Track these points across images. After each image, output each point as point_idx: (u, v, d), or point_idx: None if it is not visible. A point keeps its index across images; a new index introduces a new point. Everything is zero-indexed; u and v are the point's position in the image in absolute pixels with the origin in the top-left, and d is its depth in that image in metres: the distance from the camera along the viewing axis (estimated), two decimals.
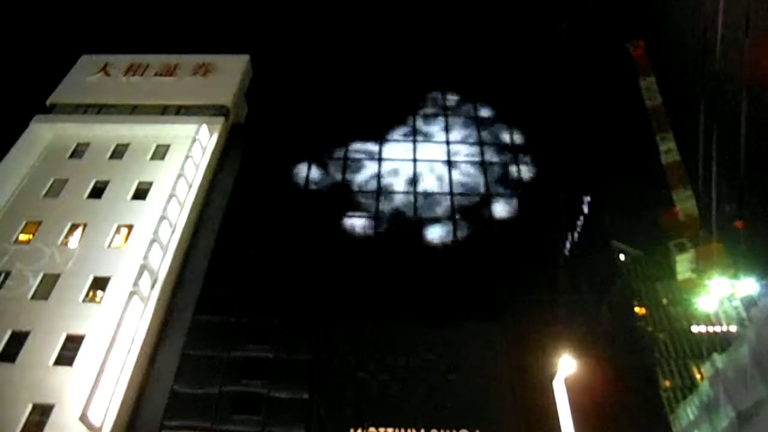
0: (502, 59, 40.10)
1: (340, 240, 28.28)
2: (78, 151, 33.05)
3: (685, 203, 66.74)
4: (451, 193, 30.72)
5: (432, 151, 33.20)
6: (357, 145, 33.37)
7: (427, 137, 33.92)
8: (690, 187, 66.26)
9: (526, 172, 32.20)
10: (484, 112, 35.91)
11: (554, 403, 18.00)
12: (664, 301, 63.44)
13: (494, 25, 44.58)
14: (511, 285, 26.28)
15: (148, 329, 23.96)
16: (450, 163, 32.41)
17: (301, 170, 31.92)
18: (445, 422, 21.47)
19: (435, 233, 28.58)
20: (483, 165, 32.38)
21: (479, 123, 35.16)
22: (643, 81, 71.33)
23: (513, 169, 32.38)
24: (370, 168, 32.06)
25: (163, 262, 26.44)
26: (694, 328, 59.88)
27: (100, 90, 36.33)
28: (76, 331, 23.77)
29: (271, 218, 29.38)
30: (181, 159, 30.63)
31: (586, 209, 30.24)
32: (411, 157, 32.83)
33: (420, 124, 35.02)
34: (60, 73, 37.46)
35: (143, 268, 24.76)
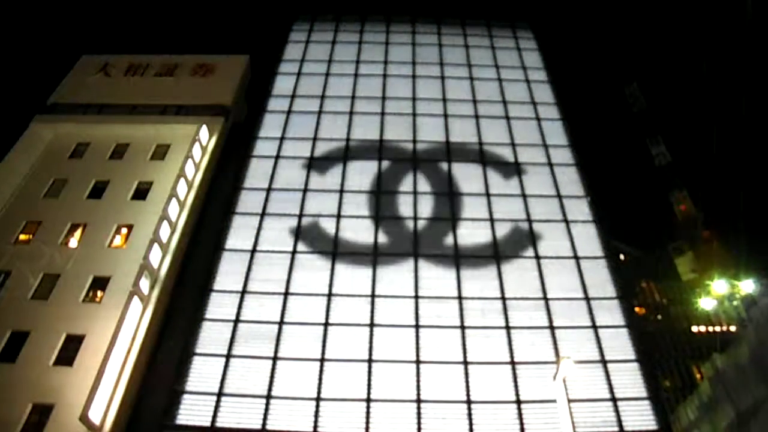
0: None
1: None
2: (78, 151, 33.06)
3: (681, 204, 67.09)
4: (451, 193, 30.75)
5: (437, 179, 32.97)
6: (357, 145, 33.41)
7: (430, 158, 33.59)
8: (684, 188, 66.75)
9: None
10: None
11: (554, 403, 17.99)
12: (664, 301, 63.39)
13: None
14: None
15: (148, 329, 23.96)
16: (450, 166, 32.47)
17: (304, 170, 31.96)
18: None
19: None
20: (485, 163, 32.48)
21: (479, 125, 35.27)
22: (627, 87, 72.43)
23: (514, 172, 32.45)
24: (369, 167, 32.08)
25: (163, 262, 26.46)
26: (694, 328, 59.81)
27: (100, 90, 36.36)
28: (76, 331, 23.75)
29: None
30: (181, 159, 30.65)
31: (587, 210, 30.24)
32: (412, 157, 32.88)
33: (421, 124, 35.05)
34: (60, 73, 37.59)
35: (143, 268, 24.76)
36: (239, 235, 28.48)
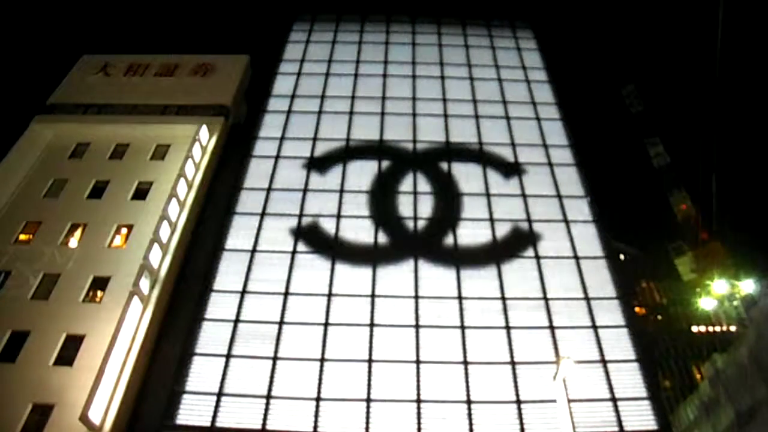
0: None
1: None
2: (78, 151, 33.07)
3: (680, 204, 67.24)
4: (451, 193, 30.74)
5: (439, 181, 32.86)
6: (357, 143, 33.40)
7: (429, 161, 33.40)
8: (683, 188, 66.93)
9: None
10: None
11: (554, 403, 17.99)
12: (664, 301, 63.48)
13: None
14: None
15: (148, 329, 23.96)
16: (450, 166, 32.46)
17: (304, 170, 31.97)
18: None
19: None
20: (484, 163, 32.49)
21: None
22: (625, 89, 72.81)
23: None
24: (369, 167, 32.05)
25: (163, 262, 26.46)
26: (694, 328, 59.88)
27: (100, 90, 36.37)
28: (76, 331, 23.75)
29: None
30: (181, 159, 30.67)
31: (587, 210, 30.22)
32: (412, 155, 32.90)
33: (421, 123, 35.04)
34: (60, 73, 37.63)
35: (143, 268, 24.77)
36: (239, 235, 28.46)
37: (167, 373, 22.94)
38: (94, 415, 20.08)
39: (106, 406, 20.74)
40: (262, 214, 29.47)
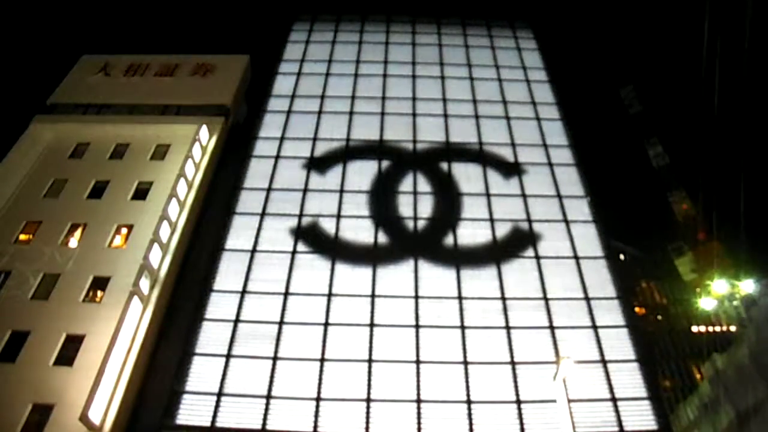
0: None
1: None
2: (78, 151, 33.07)
3: (680, 204, 67.29)
4: (451, 193, 30.75)
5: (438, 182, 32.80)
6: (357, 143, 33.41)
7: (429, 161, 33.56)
8: (683, 188, 66.98)
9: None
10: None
11: (554, 403, 17.99)
12: (664, 301, 63.42)
13: None
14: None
15: (148, 329, 23.96)
16: (450, 165, 32.47)
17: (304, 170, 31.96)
18: None
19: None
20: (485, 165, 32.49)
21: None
22: (623, 90, 72.96)
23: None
24: (369, 167, 32.05)
25: (163, 262, 26.46)
26: (694, 328, 59.82)
27: (100, 90, 36.38)
28: (76, 331, 23.73)
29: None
30: (181, 159, 30.66)
31: (587, 210, 30.21)
32: (412, 156, 32.90)
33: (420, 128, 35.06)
34: (60, 73, 37.65)
35: (143, 268, 24.76)
36: (239, 235, 28.46)
37: (167, 373, 22.94)
38: (94, 415, 20.07)
39: (106, 406, 20.73)
40: (262, 214, 29.47)
